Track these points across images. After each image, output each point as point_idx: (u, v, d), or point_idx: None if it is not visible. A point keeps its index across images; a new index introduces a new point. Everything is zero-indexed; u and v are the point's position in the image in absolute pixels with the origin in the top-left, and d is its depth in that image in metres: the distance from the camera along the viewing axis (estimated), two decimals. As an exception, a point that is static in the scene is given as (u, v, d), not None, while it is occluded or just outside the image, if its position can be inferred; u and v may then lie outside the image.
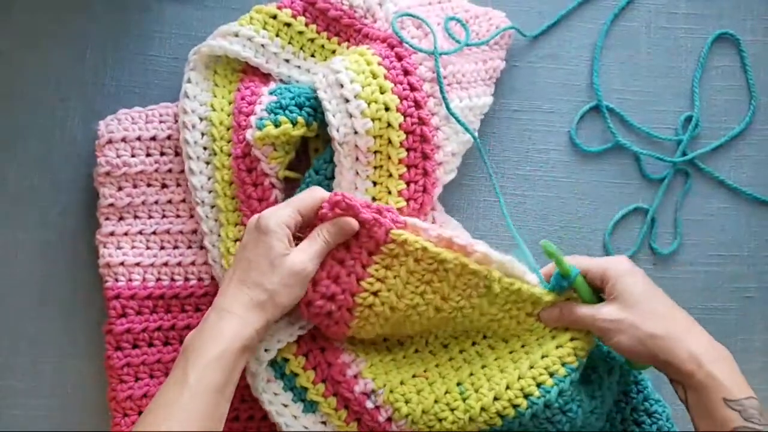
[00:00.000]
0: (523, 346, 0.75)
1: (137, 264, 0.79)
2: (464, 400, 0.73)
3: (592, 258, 0.76)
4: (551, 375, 0.72)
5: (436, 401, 0.73)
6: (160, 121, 0.81)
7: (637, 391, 0.79)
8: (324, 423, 0.75)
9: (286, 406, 0.75)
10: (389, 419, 0.74)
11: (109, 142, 0.80)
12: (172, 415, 0.64)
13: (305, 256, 0.71)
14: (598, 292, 0.75)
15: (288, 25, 0.82)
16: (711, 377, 0.67)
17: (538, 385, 0.72)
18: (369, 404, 0.74)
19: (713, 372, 0.67)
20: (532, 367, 0.73)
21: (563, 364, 0.72)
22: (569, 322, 0.74)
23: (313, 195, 0.73)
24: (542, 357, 0.73)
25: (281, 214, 0.72)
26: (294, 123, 0.76)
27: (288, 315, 0.74)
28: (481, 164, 0.84)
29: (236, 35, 0.80)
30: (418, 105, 0.77)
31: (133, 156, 0.80)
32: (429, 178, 0.78)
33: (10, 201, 0.83)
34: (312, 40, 0.83)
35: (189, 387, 0.65)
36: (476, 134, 0.81)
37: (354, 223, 0.72)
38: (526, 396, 0.72)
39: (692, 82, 0.88)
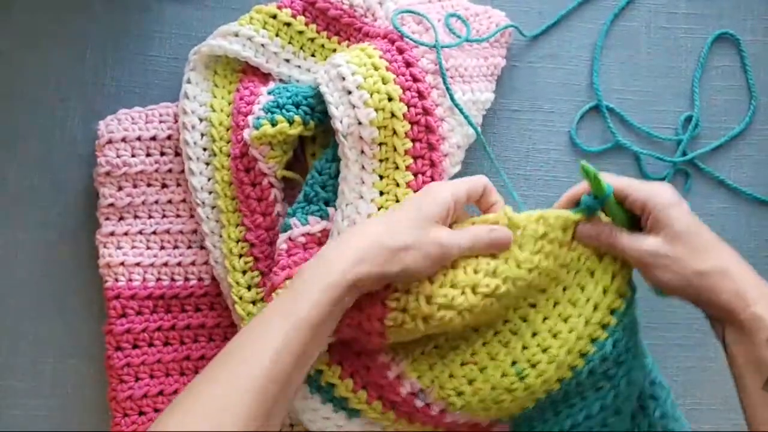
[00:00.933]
0: (564, 290, 0.69)
1: (137, 264, 0.79)
2: (522, 379, 0.67)
3: (632, 181, 0.71)
4: (604, 327, 0.68)
5: (493, 388, 0.68)
6: (160, 121, 0.81)
7: (654, 408, 0.75)
8: (371, 423, 0.71)
9: (327, 419, 0.71)
10: (442, 411, 0.69)
11: (109, 142, 0.80)
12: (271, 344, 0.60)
13: (455, 239, 0.67)
14: (631, 215, 0.71)
15: (288, 24, 0.82)
16: (756, 317, 0.63)
17: (593, 341, 0.68)
18: (418, 403, 0.69)
19: (758, 312, 0.63)
20: (586, 324, 0.68)
21: (612, 312, 0.69)
22: (607, 246, 0.70)
23: (480, 179, 0.72)
24: (594, 309, 0.68)
25: (454, 186, 0.69)
26: (291, 122, 0.76)
27: None
28: (480, 162, 0.84)
29: (236, 35, 0.80)
30: (421, 95, 0.77)
31: (133, 156, 0.80)
32: (436, 169, 0.77)
33: (10, 201, 0.83)
34: (312, 40, 0.83)
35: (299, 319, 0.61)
36: (479, 128, 0.81)
37: (509, 240, 0.69)
38: (583, 355, 0.68)
39: (692, 82, 0.88)
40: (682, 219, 0.67)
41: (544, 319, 0.69)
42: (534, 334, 0.69)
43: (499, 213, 0.70)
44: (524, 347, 0.68)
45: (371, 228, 0.67)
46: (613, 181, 0.71)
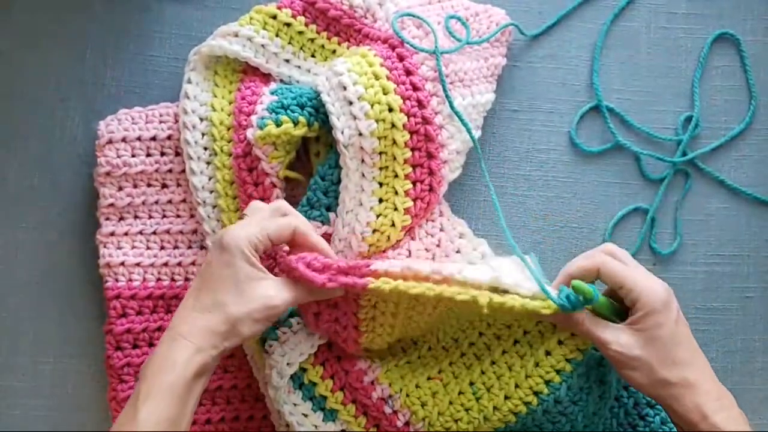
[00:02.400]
0: (525, 333, 0.74)
1: (137, 264, 0.79)
2: (477, 399, 0.73)
3: (631, 273, 0.70)
4: (558, 372, 0.72)
5: (451, 402, 0.74)
6: (160, 121, 0.81)
7: (628, 396, 0.79)
8: (344, 431, 0.75)
9: (306, 416, 0.75)
10: (407, 423, 0.74)
11: (109, 142, 0.80)
12: None
13: (284, 295, 0.68)
14: (616, 302, 0.72)
15: (288, 25, 0.82)
16: (715, 428, 0.66)
17: (547, 383, 0.72)
18: (387, 409, 0.74)
19: (717, 422, 0.66)
20: (538, 365, 0.73)
21: (568, 360, 0.72)
22: (577, 332, 0.71)
23: (288, 224, 0.69)
24: (546, 354, 0.73)
25: (249, 233, 0.67)
26: (295, 123, 0.76)
27: (307, 326, 0.74)
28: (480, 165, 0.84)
29: (236, 35, 0.80)
30: (421, 104, 0.77)
31: (133, 156, 0.80)
32: (435, 177, 0.78)
33: (10, 201, 0.83)
34: (312, 40, 0.83)
35: (139, 422, 0.61)
36: (480, 132, 0.81)
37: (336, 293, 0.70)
38: (536, 393, 0.72)
39: (692, 82, 0.88)
40: (665, 326, 0.68)
41: (503, 352, 0.75)
42: (492, 363, 0.75)
43: (480, 295, 0.68)
44: (482, 371, 0.75)
45: (198, 310, 0.66)
46: (611, 269, 0.70)
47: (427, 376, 0.75)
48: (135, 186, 0.80)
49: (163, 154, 0.81)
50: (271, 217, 0.70)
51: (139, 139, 0.80)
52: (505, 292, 0.69)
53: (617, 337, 0.68)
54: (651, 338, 0.68)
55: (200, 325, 0.65)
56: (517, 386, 0.73)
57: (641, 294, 0.68)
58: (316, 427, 0.75)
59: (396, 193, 0.77)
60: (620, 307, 0.71)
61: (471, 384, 0.74)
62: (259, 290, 0.67)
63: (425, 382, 0.75)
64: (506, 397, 0.73)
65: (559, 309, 0.68)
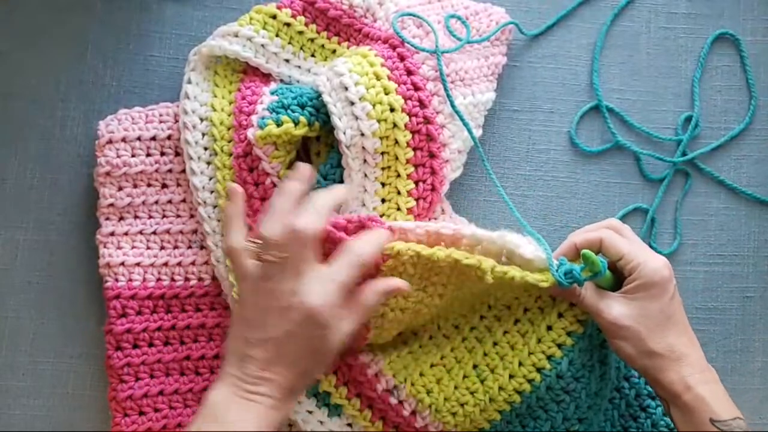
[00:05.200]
0: (525, 311, 0.75)
1: (137, 264, 0.79)
2: (482, 381, 0.74)
3: (632, 247, 0.71)
4: (559, 347, 0.73)
5: (456, 387, 0.74)
6: (160, 121, 0.81)
7: (629, 387, 0.79)
8: (350, 425, 0.76)
9: (310, 413, 0.75)
10: (413, 412, 0.74)
11: (109, 142, 0.80)
12: None
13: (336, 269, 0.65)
14: (616, 274, 0.73)
15: (288, 25, 0.82)
16: (699, 399, 0.66)
17: (549, 358, 0.73)
18: (392, 400, 0.74)
19: (701, 393, 0.67)
20: (540, 341, 0.73)
21: (569, 334, 0.73)
22: (575, 301, 0.72)
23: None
24: (548, 329, 0.73)
25: (328, 300, 0.63)
26: (296, 122, 0.76)
27: None
28: (482, 164, 0.84)
29: (236, 35, 0.80)
30: (422, 104, 0.77)
31: (133, 156, 0.80)
32: (437, 177, 0.78)
33: (10, 201, 0.83)
34: (312, 40, 0.83)
35: None
36: (481, 131, 0.81)
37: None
38: (539, 370, 0.73)
39: (692, 82, 0.88)
40: (658, 300, 0.69)
41: (505, 332, 0.75)
42: (495, 344, 0.75)
43: (485, 260, 0.69)
44: (485, 353, 0.75)
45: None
46: (613, 242, 0.71)
47: (430, 363, 0.75)
48: (135, 186, 0.80)
49: (163, 154, 0.81)
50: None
51: (139, 139, 0.80)
52: (509, 260, 0.71)
53: (610, 307, 0.70)
54: (643, 310, 0.69)
55: (283, 385, 0.63)
56: (520, 364, 0.73)
57: (639, 265, 0.70)
58: (321, 423, 0.75)
59: (398, 192, 0.77)
60: (621, 280, 0.72)
61: (474, 367, 0.74)
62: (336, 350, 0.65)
63: (429, 369, 0.75)
64: (511, 376, 0.73)
65: (557, 281, 0.69)
